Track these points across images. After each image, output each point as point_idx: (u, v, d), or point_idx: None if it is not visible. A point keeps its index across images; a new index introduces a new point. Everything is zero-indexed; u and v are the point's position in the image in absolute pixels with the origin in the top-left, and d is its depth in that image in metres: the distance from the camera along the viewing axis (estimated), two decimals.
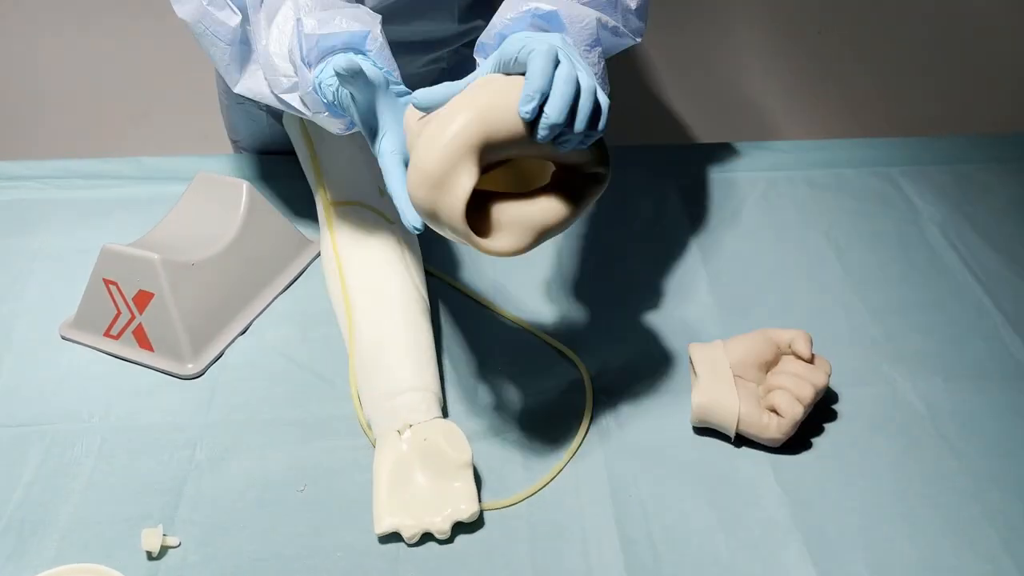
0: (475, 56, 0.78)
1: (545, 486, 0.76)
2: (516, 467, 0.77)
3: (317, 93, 0.73)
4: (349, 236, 0.91)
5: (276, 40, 0.77)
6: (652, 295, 0.95)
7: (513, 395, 0.84)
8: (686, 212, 1.06)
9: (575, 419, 0.81)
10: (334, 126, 0.76)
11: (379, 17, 0.76)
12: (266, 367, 0.86)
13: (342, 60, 0.68)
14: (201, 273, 0.86)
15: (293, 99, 0.77)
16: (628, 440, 0.80)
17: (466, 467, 0.73)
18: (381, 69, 0.73)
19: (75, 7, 1.59)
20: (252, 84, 0.83)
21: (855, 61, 1.77)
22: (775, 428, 0.76)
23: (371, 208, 0.93)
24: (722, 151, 1.17)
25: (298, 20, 0.73)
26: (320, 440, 0.79)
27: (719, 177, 1.12)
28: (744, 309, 0.93)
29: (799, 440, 0.79)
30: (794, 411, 0.76)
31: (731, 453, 0.79)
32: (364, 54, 0.74)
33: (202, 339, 0.86)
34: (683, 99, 1.81)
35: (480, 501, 0.73)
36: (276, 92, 0.78)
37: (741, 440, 0.79)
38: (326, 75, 0.72)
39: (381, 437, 0.75)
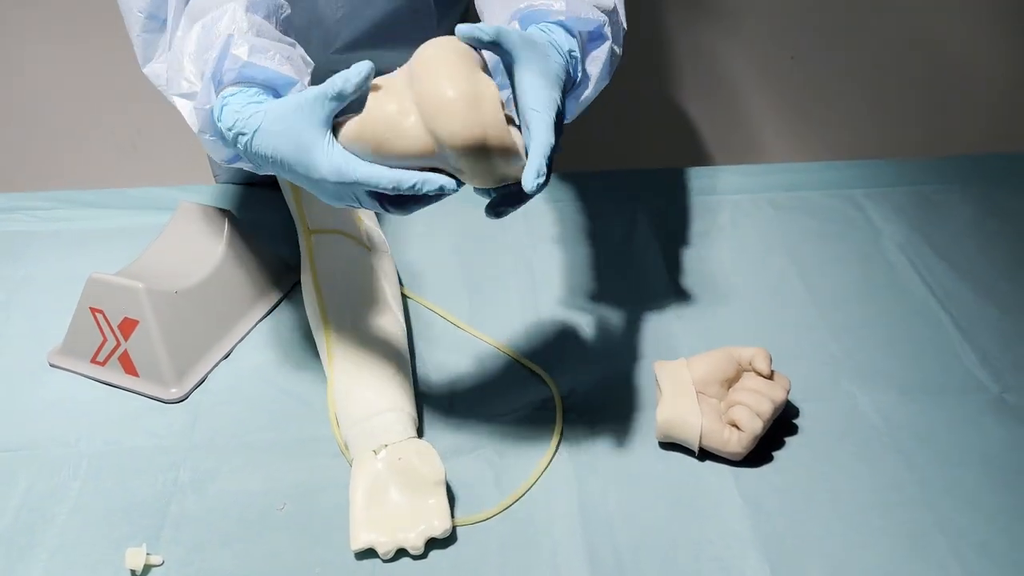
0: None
1: (516, 502, 0.78)
2: (488, 484, 0.80)
3: (212, 116, 0.68)
4: (328, 263, 0.94)
5: (195, 41, 0.71)
6: (621, 315, 0.98)
7: (487, 414, 0.87)
8: (655, 234, 1.10)
9: (546, 436, 0.84)
10: (217, 153, 0.71)
11: (311, 67, 0.73)
12: (247, 391, 0.89)
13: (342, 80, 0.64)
14: (184, 301, 0.89)
15: (183, 106, 0.71)
16: (597, 456, 0.83)
17: (439, 485, 0.76)
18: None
19: (61, 40, 1.63)
20: (160, 71, 0.77)
21: (822, 87, 1.83)
22: (736, 442, 0.80)
23: (350, 236, 0.96)
24: (690, 175, 1.21)
25: (230, 36, 0.68)
26: (299, 460, 0.82)
27: (687, 200, 1.16)
28: (710, 328, 0.97)
29: (761, 453, 0.82)
30: (753, 426, 0.79)
31: (695, 467, 0.82)
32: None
33: (185, 364, 0.89)
34: (652, 125, 1.86)
35: (453, 517, 0.76)
36: (171, 91, 0.72)
37: (705, 454, 0.82)
38: (235, 102, 0.66)
39: (357, 457, 0.78)
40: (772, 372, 0.83)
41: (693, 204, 1.15)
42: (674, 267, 1.05)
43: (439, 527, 0.74)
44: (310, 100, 0.64)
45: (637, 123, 1.84)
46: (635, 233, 1.10)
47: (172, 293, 0.88)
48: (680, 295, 1.01)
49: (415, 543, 0.73)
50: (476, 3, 0.86)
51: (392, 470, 0.76)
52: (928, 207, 1.15)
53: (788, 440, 0.84)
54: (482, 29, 0.67)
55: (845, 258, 1.06)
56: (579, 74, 0.74)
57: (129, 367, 0.89)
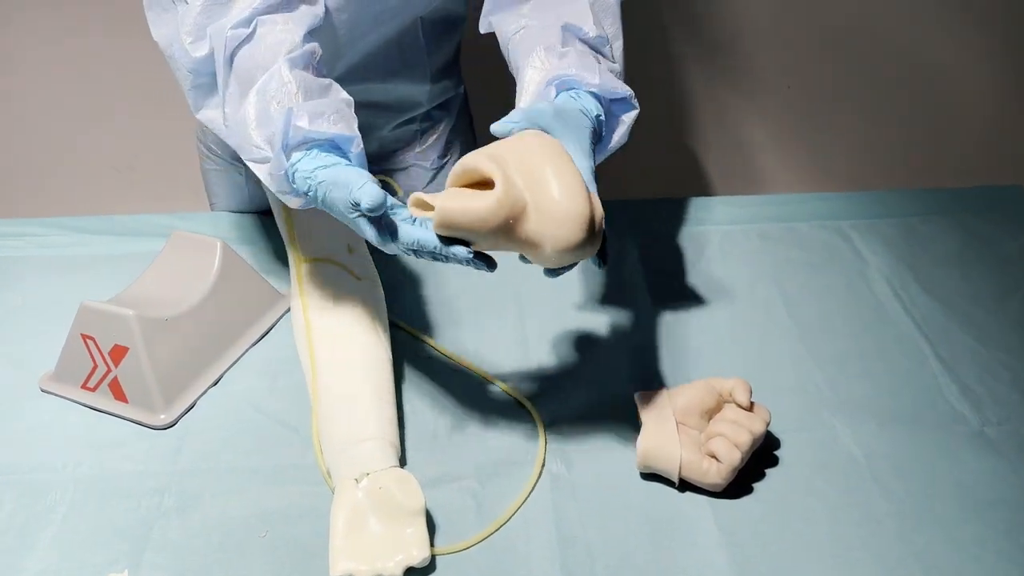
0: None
1: (495, 531, 0.79)
2: (469, 513, 0.81)
3: (288, 178, 0.77)
4: (317, 291, 0.95)
5: (255, 109, 0.80)
6: (606, 345, 0.99)
7: (469, 443, 0.88)
8: (643, 265, 1.11)
9: (527, 466, 0.85)
10: (293, 202, 0.80)
11: (353, 106, 0.82)
12: (235, 417, 0.90)
13: (369, 197, 0.71)
14: (175, 328, 0.91)
15: (260, 170, 0.80)
16: (577, 485, 0.83)
17: (418, 514, 0.76)
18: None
19: (56, 66, 1.65)
20: (214, 116, 0.87)
21: (812, 118, 1.84)
22: (715, 473, 0.80)
23: (340, 265, 0.98)
24: (680, 206, 1.22)
25: (290, 109, 0.76)
26: (283, 487, 0.83)
27: (676, 231, 1.17)
28: (694, 358, 0.97)
29: (741, 484, 0.82)
30: (732, 457, 0.80)
31: (674, 497, 0.82)
32: (345, 155, 0.78)
33: (174, 391, 0.91)
34: (641, 156, 1.87)
35: (432, 546, 0.77)
36: (246, 158, 0.82)
37: (685, 485, 0.83)
38: (304, 165, 0.76)
39: (339, 485, 0.79)
40: (752, 403, 0.84)
41: (682, 234, 1.17)
42: (660, 297, 1.06)
43: (417, 556, 0.74)
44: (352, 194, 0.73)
45: (629, 153, 1.86)
46: (623, 263, 1.11)
47: (163, 320, 0.90)
48: (666, 325, 1.02)
49: (394, 572, 0.74)
50: (509, 62, 0.93)
51: (372, 499, 0.77)
52: (914, 239, 1.16)
53: (768, 471, 0.85)
54: (513, 121, 0.79)
55: (831, 289, 1.07)
56: (603, 133, 0.84)
57: (119, 393, 0.90)
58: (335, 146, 0.78)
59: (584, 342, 1.00)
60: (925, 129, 1.83)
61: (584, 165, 0.77)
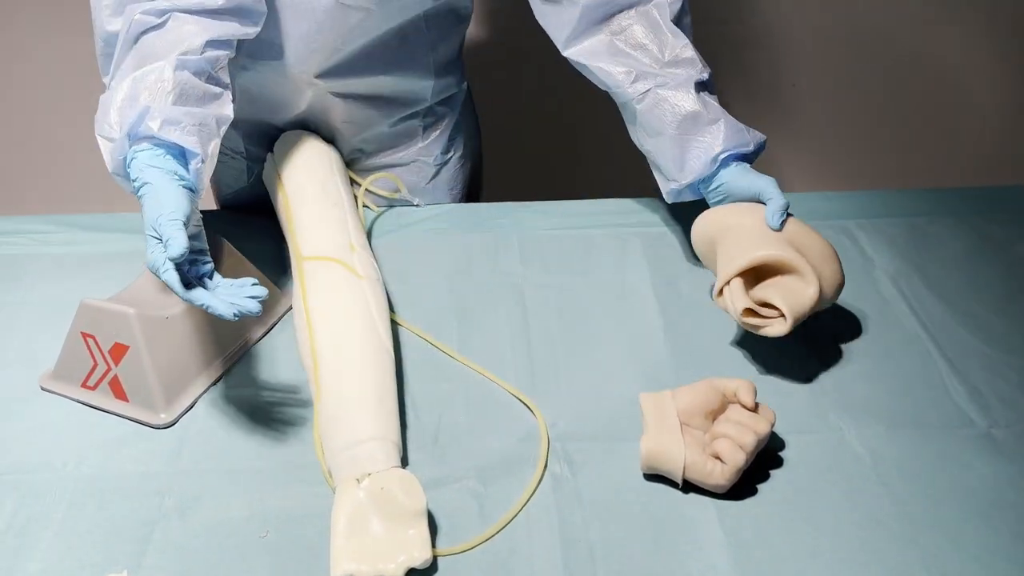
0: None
1: (497, 533, 0.79)
2: (472, 514, 0.80)
3: (125, 163, 0.83)
4: (319, 290, 0.95)
5: (124, 93, 0.85)
6: (609, 344, 0.98)
7: (472, 443, 0.87)
8: (647, 262, 1.10)
9: (530, 467, 0.85)
10: (125, 187, 0.85)
11: (227, 123, 0.89)
12: (236, 416, 0.90)
13: (176, 248, 0.76)
14: (175, 326, 0.90)
15: (103, 145, 0.85)
16: (580, 487, 0.83)
17: (420, 515, 0.76)
18: (193, 191, 0.83)
19: (60, 63, 1.65)
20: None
21: (817, 117, 1.83)
22: (719, 475, 0.80)
23: (342, 263, 0.97)
24: (685, 204, 1.21)
25: (147, 108, 0.82)
26: (284, 487, 0.82)
27: (681, 229, 1.17)
28: (699, 358, 0.97)
29: (745, 486, 0.82)
30: (736, 458, 0.79)
31: (678, 499, 0.82)
32: (185, 166, 0.83)
33: (175, 390, 0.90)
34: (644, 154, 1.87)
35: (434, 547, 0.76)
36: (96, 130, 0.85)
37: (689, 486, 0.82)
38: (142, 158, 0.81)
39: (340, 485, 0.79)
40: (756, 404, 0.83)
41: (686, 233, 1.16)
42: (664, 297, 1.05)
43: (419, 557, 0.74)
44: (159, 219, 0.79)
45: (633, 151, 1.85)
46: (627, 262, 1.11)
47: (163, 318, 0.89)
48: (669, 323, 1.01)
49: (395, 573, 0.73)
50: (645, 140, 1.06)
51: (374, 500, 0.77)
52: (921, 239, 1.15)
53: (773, 473, 0.84)
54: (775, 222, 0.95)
55: None
56: None
57: (119, 392, 0.89)
58: (180, 153, 0.84)
59: (587, 342, 0.99)
60: (932, 128, 1.82)
61: (781, 202, 0.96)
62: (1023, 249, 1.13)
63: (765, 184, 0.97)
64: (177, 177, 0.82)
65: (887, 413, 0.90)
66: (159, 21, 0.88)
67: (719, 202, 1.01)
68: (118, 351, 0.88)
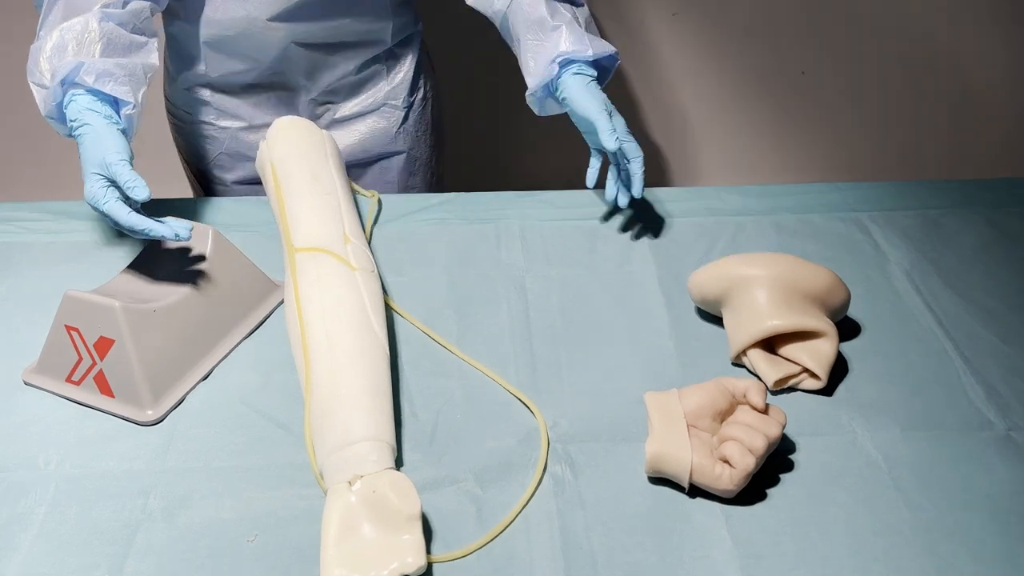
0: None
1: (495, 538, 0.75)
2: (470, 518, 0.77)
3: (59, 108, 0.92)
4: (311, 283, 0.91)
5: (53, 44, 0.93)
6: (614, 341, 0.95)
7: (470, 444, 0.84)
8: (653, 256, 1.07)
9: (531, 468, 0.81)
10: (60, 130, 0.95)
11: (152, 72, 0.97)
12: (225, 414, 0.87)
13: (142, 191, 0.86)
14: (163, 319, 0.87)
15: (37, 92, 0.93)
16: (582, 490, 0.80)
17: (414, 520, 0.72)
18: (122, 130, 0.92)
19: None
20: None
21: (829, 106, 1.79)
22: (727, 479, 0.76)
23: (334, 255, 0.94)
24: (692, 195, 1.18)
25: (80, 63, 0.90)
26: (274, 489, 0.79)
27: (688, 221, 1.13)
28: (707, 355, 0.93)
29: (754, 490, 0.78)
30: (746, 462, 0.76)
31: (684, 504, 0.78)
32: (116, 111, 0.92)
33: (162, 386, 0.87)
34: (652, 142, 1.83)
35: (429, 554, 0.73)
36: (29, 78, 0.93)
37: (695, 490, 0.79)
38: (78, 102, 0.90)
39: (331, 488, 0.75)
40: (767, 405, 0.80)
41: (694, 226, 1.12)
42: (671, 291, 1.01)
43: (413, 565, 0.70)
44: (106, 160, 0.88)
45: (640, 142, 1.82)
46: (632, 255, 1.07)
47: (150, 311, 0.86)
48: (675, 321, 0.98)
49: None
50: (514, 48, 1.11)
51: (366, 503, 0.73)
52: (935, 231, 1.12)
53: (783, 477, 0.81)
54: (604, 147, 1.04)
55: (849, 284, 1.02)
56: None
57: (104, 387, 0.86)
58: (113, 101, 0.92)
59: (591, 339, 0.95)
60: (948, 117, 1.78)
61: (607, 126, 1.02)
62: None
63: (596, 109, 1.02)
64: (113, 121, 0.90)
65: (902, 414, 0.87)
66: None
67: (573, 116, 1.07)
68: (103, 345, 0.85)
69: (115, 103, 0.92)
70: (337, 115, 1.24)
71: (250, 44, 1.12)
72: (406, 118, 1.27)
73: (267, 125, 1.16)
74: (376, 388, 0.83)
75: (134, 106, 0.93)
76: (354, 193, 1.11)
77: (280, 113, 1.20)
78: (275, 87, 1.19)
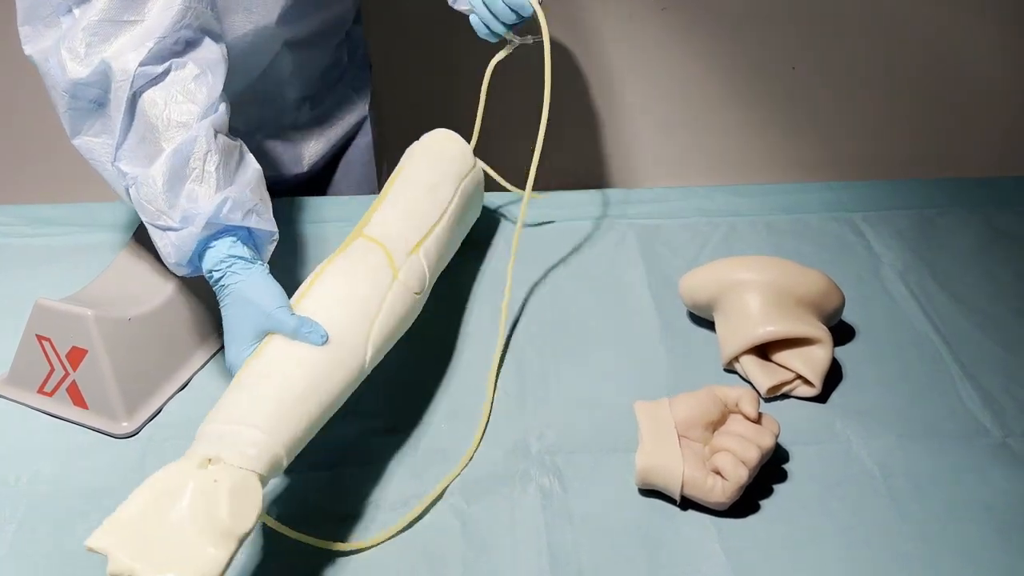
0: None
1: (406, 529, 0.73)
2: (454, 534, 0.75)
3: (194, 253, 0.76)
4: (342, 264, 0.82)
5: (167, 172, 0.76)
6: (602, 346, 0.93)
7: (455, 456, 0.81)
8: (643, 258, 1.05)
9: (517, 482, 0.79)
10: (177, 271, 0.79)
11: (263, 177, 0.82)
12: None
13: (319, 335, 0.73)
14: (138, 328, 0.85)
15: (159, 237, 0.77)
16: (570, 503, 0.77)
17: (230, 538, 0.61)
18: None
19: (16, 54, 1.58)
20: (96, 146, 0.81)
21: (821, 104, 1.77)
22: (720, 491, 0.74)
23: (388, 254, 0.84)
24: (682, 194, 1.16)
25: (225, 199, 0.75)
26: None
27: (678, 221, 1.11)
28: (697, 361, 0.91)
29: (747, 502, 0.76)
30: (739, 474, 0.74)
31: (676, 516, 0.76)
32: (256, 247, 0.79)
33: (137, 397, 0.84)
34: (642, 143, 1.81)
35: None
36: (147, 220, 0.78)
37: (687, 502, 0.77)
38: (220, 246, 0.76)
39: (184, 457, 0.65)
40: (760, 415, 0.78)
41: (685, 226, 1.10)
42: (661, 295, 0.99)
43: None
44: (264, 320, 0.74)
45: (628, 139, 1.80)
46: (621, 258, 1.05)
47: (125, 320, 0.83)
48: (666, 326, 0.95)
49: None
50: None
51: (196, 490, 0.62)
52: (930, 232, 1.10)
53: (776, 487, 0.79)
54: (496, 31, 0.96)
55: (842, 286, 1.00)
56: None
57: (78, 399, 0.84)
58: (253, 239, 0.79)
59: (579, 345, 0.93)
60: (944, 114, 1.76)
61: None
62: None
63: None
64: (259, 263, 0.78)
65: (897, 422, 0.85)
66: (160, 70, 0.78)
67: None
68: (76, 355, 0.82)
69: (253, 236, 0.79)
70: (316, 111, 1.20)
71: (250, 55, 1.04)
72: (372, 91, 1.25)
73: (247, 131, 1.11)
74: (311, 398, 0.71)
75: (275, 236, 0.80)
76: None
77: (261, 117, 1.14)
78: (257, 92, 1.12)
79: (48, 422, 0.84)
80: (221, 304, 0.77)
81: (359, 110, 1.25)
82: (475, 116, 1.03)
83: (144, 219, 0.78)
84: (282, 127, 1.16)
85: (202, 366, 0.90)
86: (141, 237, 0.93)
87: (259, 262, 0.78)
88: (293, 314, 0.73)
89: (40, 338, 0.83)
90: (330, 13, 1.12)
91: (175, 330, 0.88)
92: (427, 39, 1.65)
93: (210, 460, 0.64)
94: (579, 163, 1.74)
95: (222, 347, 0.91)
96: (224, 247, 0.76)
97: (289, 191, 1.17)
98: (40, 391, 0.85)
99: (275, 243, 0.80)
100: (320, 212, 1.12)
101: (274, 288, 0.75)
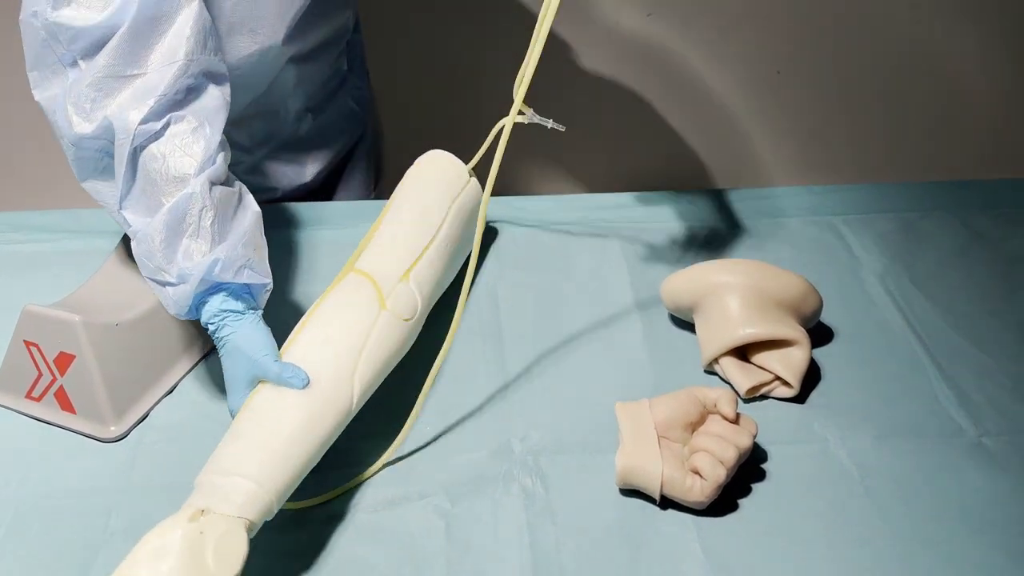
0: None
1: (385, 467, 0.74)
2: (438, 533, 0.76)
3: (191, 308, 0.79)
4: (328, 303, 0.84)
5: (166, 231, 0.78)
6: (586, 349, 0.94)
7: (439, 457, 0.83)
8: (626, 263, 1.06)
9: (502, 483, 0.80)
10: (182, 318, 0.81)
11: (261, 220, 0.83)
12: (191, 429, 0.85)
13: (301, 379, 0.76)
14: (125, 333, 0.85)
15: (158, 291, 0.79)
16: (553, 503, 0.78)
17: None
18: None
19: (16, 61, 1.58)
20: (103, 189, 0.83)
21: (802, 108, 1.79)
22: (699, 491, 0.75)
23: (376, 287, 0.86)
24: (666, 199, 1.17)
25: (215, 261, 0.76)
26: None
27: (662, 226, 1.12)
28: (678, 363, 0.93)
29: (726, 501, 0.78)
30: (716, 474, 0.75)
31: (656, 516, 0.77)
32: (255, 304, 0.81)
33: (125, 401, 0.85)
34: (621, 149, 1.82)
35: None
36: (146, 274, 0.80)
37: (667, 501, 0.78)
38: (213, 302, 0.78)
39: (182, 508, 0.68)
40: (738, 415, 0.79)
41: (665, 231, 1.11)
42: (644, 298, 1.00)
43: None
44: (253, 367, 0.77)
45: (607, 145, 1.81)
46: (605, 262, 1.06)
47: (112, 325, 0.84)
48: (648, 329, 0.97)
49: None
50: None
51: (185, 540, 0.65)
52: (910, 235, 1.11)
53: (755, 487, 0.80)
54: None
55: (821, 289, 1.01)
56: None
57: (66, 404, 0.85)
58: (249, 292, 0.80)
59: (563, 347, 0.94)
60: (923, 118, 1.78)
61: None
62: (1016, 246, 1.09)
63: None
64: (251, 312, 0.80)
65: (875, 422, 0.86)
66: (159, 126, 0.79)
67: None
68: (63, 361, 0.83)
69: (248, 291, 0.80)
70: (314, 125, 1.20)
71: (255, 74, 1.04)
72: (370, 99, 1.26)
73: (251, 146, 1.13)
74: (297, 440, 0.73)
75: (269, 287, 0.81)
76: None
77: (265, 131, 1.14)
78: (260, 107, 1.11)
79: (36, 427, 0.85)
80: (219, 353, 0.79)
81: (359, 118, 1.26)
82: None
83: (144, 274, 0.80)
84: (285, 139, 1.16)
85: (189, 370, 0.91)
86: (128, 243, 0.94)
87: (251, 311, 0.79)
88: (277, 360, 0.76)
89: (28, 344, 0.84)
90: (331, 25, 1.12)
91: (162, 335, 0.89)
92: (425, 42, 1.66)
93: (202, 511, 0.67)
94: (564, 169, 1.76)
95: (209, 352, 0.93)
96: (217, 303, 0.78)
97: (292, 201, 1.18)
98: (28, 396, 0.86)
99: (269, 291, 0.81)
100: (322, 217, 1.13)
101: (262, 337, 0.78)
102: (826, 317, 0.97)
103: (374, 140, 1.33)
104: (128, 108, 0.79)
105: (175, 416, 0.86)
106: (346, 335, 0.81)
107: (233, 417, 0.76)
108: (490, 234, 1.11)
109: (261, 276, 0.80)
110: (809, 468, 0.82)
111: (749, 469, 0.81)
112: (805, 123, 1.80)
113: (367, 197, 1.29)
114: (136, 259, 0.80)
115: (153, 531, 0.66)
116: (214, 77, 0.85)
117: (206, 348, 0.93)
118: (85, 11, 0.79)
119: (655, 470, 0.76)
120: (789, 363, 0.87)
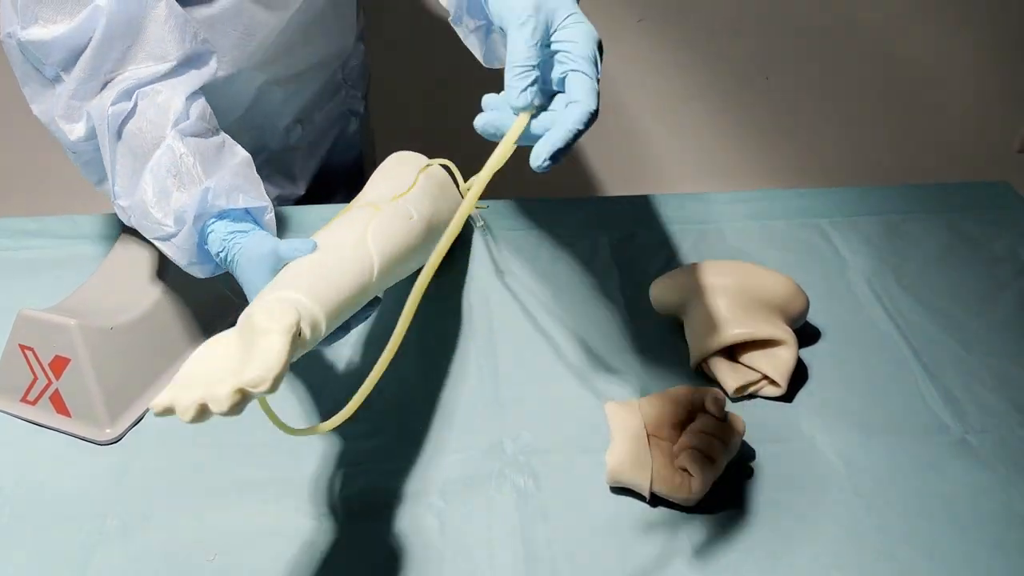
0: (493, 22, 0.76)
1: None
2: (433, 532, 0.77)
3: (198, 247, 0.78)
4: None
5: (152, 188, 0.78)
6: (576, 352, 0.95)
7: (432, 456, 0.84)
8: (615, 265, 1.07)
9: (494, 481, 0.81)
10: (198, 272, 0.80)
11: (252, 164, 0.83)
12: (186, 431, 0.86)
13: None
14: (121, 336, 0.86)
15: (165, 247, 0.79)
16: (545, 502, 0.79)
17: (270, 334, 0.60)
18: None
19: (5, 69, 1.59)
20: (110, 188, 0.83)
21: (789, 111, 1.81)
22: (687, 488, 0.77)
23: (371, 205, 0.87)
24: (655, 202, 1.18)
25: (206, 189, 0.76)
26: (236, 507, 0.79)
27: (651, 229, 1.13)
28: (667, 364, 0.94)
29: (715, 498, 0.79)
30: (704, 471, 0.76)
31: (646, 513, 0.79)
32: (257, 222, 0.80)
33: (121, 404, 0.86)
34: (611, 152, 1.84)
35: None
36: (150, 236, 0.80)
37: (656, 499, 0.79)
38: (219, 229, 0.77)
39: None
40: (726, 414, 0.80)
41: (655, 233, 1.13)
42: (632, 299, 1.02)
43: (249, 375, 0.58)
44: (270, 258, 0.74)
45: (598, 149, 1.82)
46: (596, 264, 1.07)
47: (107, 329, 0.85)
48: (638, 328, 0.98)
49: (218, 395, 0.58)
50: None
51: (235, 329, 0.64)
52: (896, 237, 1.13)
53: (743, 484, 0.81)
54: (523, 103, 0.74)
55: (808, 290, 1.02)
56: None
57: (61, 407, 0.85)
58: (248, 213, 0.80)
59: (554, 349, 0.96)
60: (908, 122, 1.80)
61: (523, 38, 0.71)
62: (1000, 247, 1.11)
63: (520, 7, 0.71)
64: (256, 228, 0.79)
65: (861, 420, 0.88)
66: (130, 105, 0.80)
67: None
68: (59, 364, 0.84)
69: (250, 215, 0.80)
70: (307, 133, 1.21)
71: (228, 95, 1.05)
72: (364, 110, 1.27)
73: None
74: (355, 277, 0.74)
75: (270, 208, 0.81)
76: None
77: (255, 144, 1.14)
78: (246, 123, 1.12)
79: (31, 430, 0.86)
80: (239, 280, 0.76)
81: (353, 126, 1.27)
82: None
83: (149, 238, 0.80)
84: (275, 151, 1.18)
85: None
86: (123, 247, 0.95)
87: (259, 229, 0.78)
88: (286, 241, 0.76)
89: (23, 348, 0.85)
90: (319, 51, 1.12)
91: (157, 338, 0.90)
92: (421, 51, 1.67)
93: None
94: (554, 171, 1.77)
95: None
96: (222, 229, 0.77)
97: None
98: (23, 400, 0.86)
99: (272, 214, 0.81)
100: (317, 220, 1.14)
101: (271, 237, 0.77)
102: (813, 317, 0.98)
103: (366, 149, 1.34)
104: (104, 99, 0.80)
105: (170, 419, 0.86)
106: (348, 226, 0.81)
107: None
108: (481, 236, 1.12)
109: (257, 200, 0.80)
110: (796, 466, 0.83)
111: (737, 467, 0.82)
112: (792, 127, 1.82)
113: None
114: (140, 230, 0.80)
115: (203, 344, 0.64)
116: (195, 62, 0.85)
117: None
118: (52, 26, 0.80)
119: (644, 468, 0.77)
120: (776, 363, 0.88)
